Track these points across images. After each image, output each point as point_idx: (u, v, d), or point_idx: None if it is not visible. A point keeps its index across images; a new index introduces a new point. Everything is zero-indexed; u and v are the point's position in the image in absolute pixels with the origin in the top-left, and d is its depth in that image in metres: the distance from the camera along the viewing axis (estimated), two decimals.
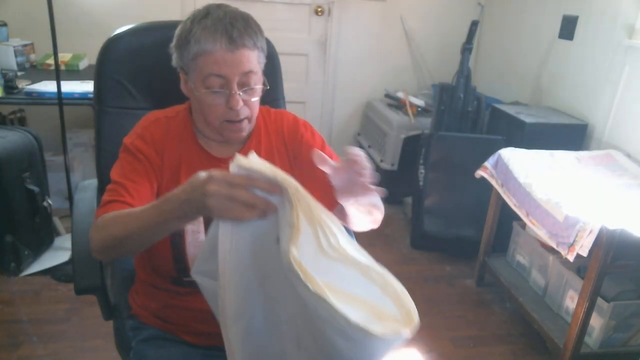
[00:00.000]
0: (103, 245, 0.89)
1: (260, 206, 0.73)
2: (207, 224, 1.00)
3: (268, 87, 1.04)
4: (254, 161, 0.75)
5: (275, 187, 0.73)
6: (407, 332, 0.72)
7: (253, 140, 1.10)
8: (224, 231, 0.75)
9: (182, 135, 1.06)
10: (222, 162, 1.05)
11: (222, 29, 0.92)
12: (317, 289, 0.68)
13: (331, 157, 1.04)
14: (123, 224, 0.85)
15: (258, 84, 1.00)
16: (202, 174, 0.74)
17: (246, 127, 1.04)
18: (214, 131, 1.04)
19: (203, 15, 0.94)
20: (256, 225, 0.76)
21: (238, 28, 0.93)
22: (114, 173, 1.00)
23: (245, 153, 0.98)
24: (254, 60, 0.97)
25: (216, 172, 0.73)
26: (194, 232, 1.01)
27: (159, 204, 0.81)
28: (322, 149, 1.10)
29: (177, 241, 1.01)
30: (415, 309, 0.74)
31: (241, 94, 0.97)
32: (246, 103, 0.99)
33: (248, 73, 0.96)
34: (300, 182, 0.81)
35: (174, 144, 1.05)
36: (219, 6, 0.95)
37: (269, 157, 1.08)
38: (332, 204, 1.03)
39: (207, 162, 1.05)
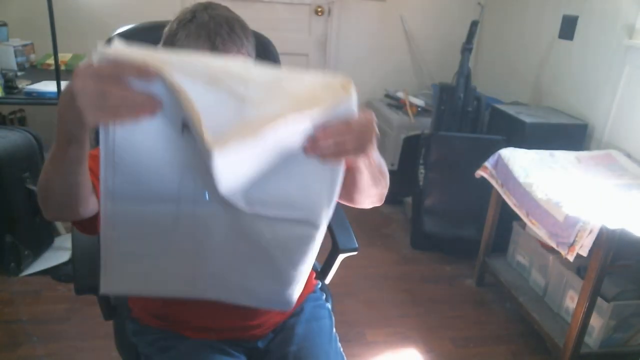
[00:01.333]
0: (40, 199, 0.82)
1: (139, 100, 0.61)
2: None
3: None
4: (120, 49, 0.62)
5: (151, 72, 0.61)
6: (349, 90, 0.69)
7: None
8: (106, 143, 0.65)
9: None
10: None
11: (205, 36, 0.88)
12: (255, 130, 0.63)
13: None
14: (44, 171, 0.77)
15: None
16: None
17: None
18: None
19: (188, 19, 0.90)
20: (148, 126, 0.65)
21: (221, 35, 0.89)
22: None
23: None
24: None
25: (80, 65, 0.61)
26: None
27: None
28: None
29: None
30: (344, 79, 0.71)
31: None
32: None
33: None
34: None
35: None
36: (206, 7, 0.92)
37: None
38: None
39: None
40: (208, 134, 0.61)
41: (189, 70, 0.63)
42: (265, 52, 1.36)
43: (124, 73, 0.60)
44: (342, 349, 1.14)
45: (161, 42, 0.95)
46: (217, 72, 0.65)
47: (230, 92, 0.65)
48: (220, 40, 0.88)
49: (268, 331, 1.10)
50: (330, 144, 0.70)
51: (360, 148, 0.74)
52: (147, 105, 0.62)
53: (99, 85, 0.59)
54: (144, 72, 0.61)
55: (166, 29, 0.94)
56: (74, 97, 0.59)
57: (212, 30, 0.88)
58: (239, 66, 0.69)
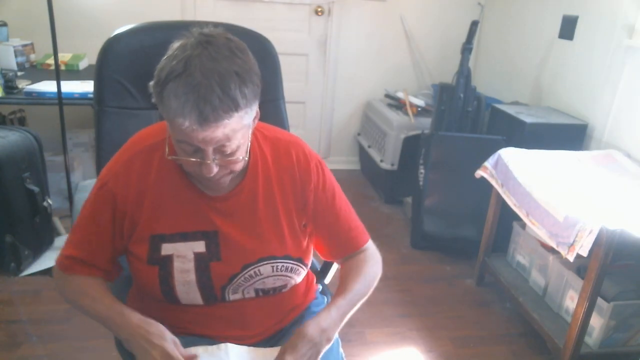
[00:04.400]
0: (72, 305, 1.02)
1: None
2: (197, 263, 0.97)
3: (247, 158, 0.94)
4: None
5: None
6: None
7: (249, 177, 1.00)
8: None
9: (168, 169, 0.97)
10: (217, 202, 0.98)
11: (193, 102, 0.79)
12: None
13: (340, 208, 1.09)
14: (86, 306, 0.98)
15: (240, 148, 0.89)
16: (150, 348, 0.88)
17: (228, 180, 0.95)
18: None
19: (178, 72, 0.80)
20: None
21: (212, 103, 0.79)
22: (83, 210, 0.99)
23: (242, 190, 0.99)
24: (232, 128, 0.84)
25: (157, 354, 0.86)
26: (183, 271, 0.97)
27: (112, 314, 0.94)
28: (332, 200, 1.06)
29: (165, 280, 0.98)
30: None
31: (218, 159, 0.87)
32: (225, 164, 0.90)
33: (225, 142, 0.85)
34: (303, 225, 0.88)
35: (158, 180, 0.97)
36: (200, 54, 0.81)
37: (267, 192, 1.01)
38: (337, 255, 1.11)
39: (198, 201, 0.98)
40: None
41: None
42: (264, 52, 1.36)
43: None
44: (342, 352, 1.14)
45: (153, 82, 0.85)
46: None
47: None
48: (210, 109, 0.79)
49: (266, 337, 1.09)
50: None
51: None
52: None
53: None
54: None
55: (157, 68, 0.84)
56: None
57: (201, 96, 0.79)
58: None
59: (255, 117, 0.91)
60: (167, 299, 1.01)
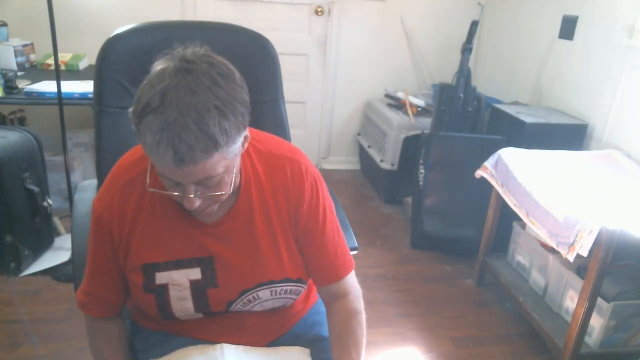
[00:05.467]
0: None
1: None
2: (193, 291, 0.96)
3: (230, 192, 0.87)
4: None
5: None
6: None
7: (242, 199, 0.96)
8: None
9: (159, 196, 0.92)
10: (210, 227, 0.95)
11: (168, 140, 0.73)
12: None
13: (329, 234, 1.01)
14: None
15: (223, 181, 0.84)
16: None
17: (215, 209, 0.90)
18: None
19: (154, 106, 0.74)
20: None
21: (187, 142, 0.73)
22: (88, 243, 0.98)
23: (237, 213, 0.95)
24: (212, 165, 0.78)
25: None
26: (180, 299, 0.96)
27: None
28: (323, 224, 1.00)
29: (163, 307, 0.97)
30: None
31: (200, 192, 0.83)
32: (209, 198, 0.85)
33: (205, 179, 0.80)
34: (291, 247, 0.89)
35: (151, 207, 0.93)
36: (177, 87, 0.74)
37: (263, 212, 0.96)
38: (318, 281, 1.05)
39: (191, 227, 0.94)
40: None
41: None
42: (264, 52, 1.36)
43: None
44: None
45: (132, 109, 0.79)
46: None
47: None
48: (186, 148, 0.73)
49: (266, 344, 1.08)
50: None
51: None
52: None
53: None
54: None
55: (138, 93, 0.78)
56: None
57: (176, 134, 0.73)
58: None
59: (244, 143, 0.86)
60: (167, 320, 1.01)
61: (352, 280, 1.07)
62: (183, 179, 0.79)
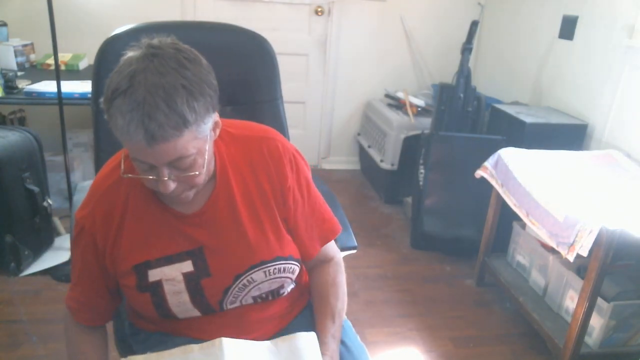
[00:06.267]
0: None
1: None
2: (187, 283, 0.96)
3: (204, 174, 0.88)
4: None
5: None
6: None
7: (220, 185, 0.97)
8: None
9: (140, 197, 0.95)
10: (194, 217, 0.96)
11: (138, 120, 0.75)
12: None
13: (315, 202, 1.07)
14: None
15: (196, 162, 0.84)
16: None
17: (191, 195, 0.91)
18: None
19: (123, 89, 0.76)
20: None
21: (157, 119, 0.75)
22: (73, 259, 1.00)
23: (217, 199, 0.96)
24: (183, 144, 0.80)
25: None
26: (175, 293, 0.96)
27: None
28: (308, 194, 1.04)
29: (160, 304, 0.97)
30: None
31: (174, 175, 0.84)
32: (183, 180, 0.86)
33: (178, 159, 0.82)
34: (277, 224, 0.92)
35: (134, 210, 0.95)
36: (144, 70, 0.76)
37: (244, 195, 0.98)
38: (311, 247, 1.08)
39: (175, 221, 0.96)
40: None
41: None
42: (262, 52, 1.36)
43: None
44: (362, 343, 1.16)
45: (102, 98, 0.81)
46: None
47: None
48: (156, 126, 0.75)
49: (266, 339, 1.08)
50: None
51: None
52: None
53: None
54: None
55: (107, 81, 0.80)
56: None
57: (145, 113, 0.75)
58: None
59: (215, 127, 0.88)
60: (165, 318, 1.01)
61: (337, 253, 1.15)
62: (156, 160, 0.80)
